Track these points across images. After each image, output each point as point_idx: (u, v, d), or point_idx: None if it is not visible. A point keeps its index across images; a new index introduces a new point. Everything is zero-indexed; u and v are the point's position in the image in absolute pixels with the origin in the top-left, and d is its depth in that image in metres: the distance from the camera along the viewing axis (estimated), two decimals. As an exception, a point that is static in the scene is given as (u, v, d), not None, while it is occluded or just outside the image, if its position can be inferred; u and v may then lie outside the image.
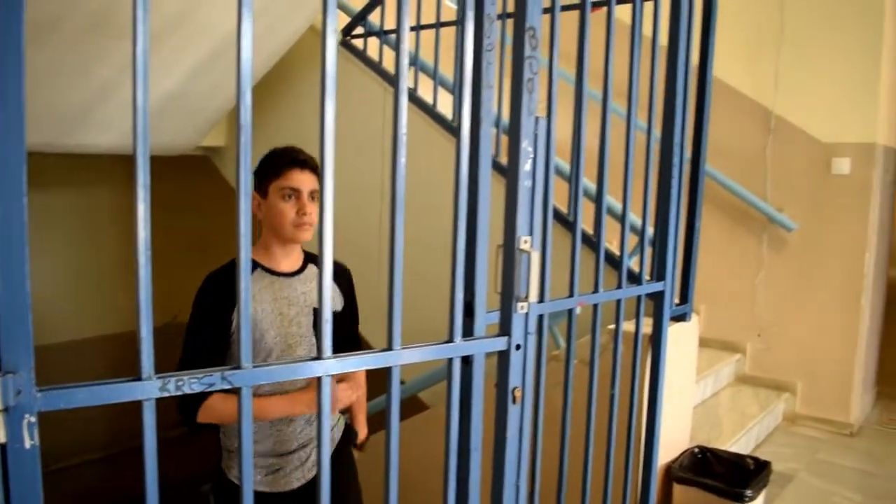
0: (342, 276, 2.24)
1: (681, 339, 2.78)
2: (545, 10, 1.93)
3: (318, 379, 1.19)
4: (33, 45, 2.90)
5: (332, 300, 2.08)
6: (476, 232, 1.38)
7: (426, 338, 1.45)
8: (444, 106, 3.61)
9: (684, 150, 2.44)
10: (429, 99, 3.61)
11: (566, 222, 2.93)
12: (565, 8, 1.79)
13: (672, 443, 2.93)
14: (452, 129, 3.46)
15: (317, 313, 2.03)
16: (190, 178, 5.49)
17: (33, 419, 0.88)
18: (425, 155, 3.59)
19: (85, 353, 5.65)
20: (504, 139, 3.17)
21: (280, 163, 2.04)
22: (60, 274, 5.67)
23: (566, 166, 2.98)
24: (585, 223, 2.53)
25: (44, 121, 3.38)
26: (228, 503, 2.11)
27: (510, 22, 2.61)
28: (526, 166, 1.36)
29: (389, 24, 3.75)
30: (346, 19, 4.08)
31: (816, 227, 4.29)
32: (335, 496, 2.21)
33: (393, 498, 1.32)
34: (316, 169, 2.05)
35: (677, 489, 2.86)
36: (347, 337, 2.19)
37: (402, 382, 3.10)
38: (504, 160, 3.10)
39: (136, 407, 0.97)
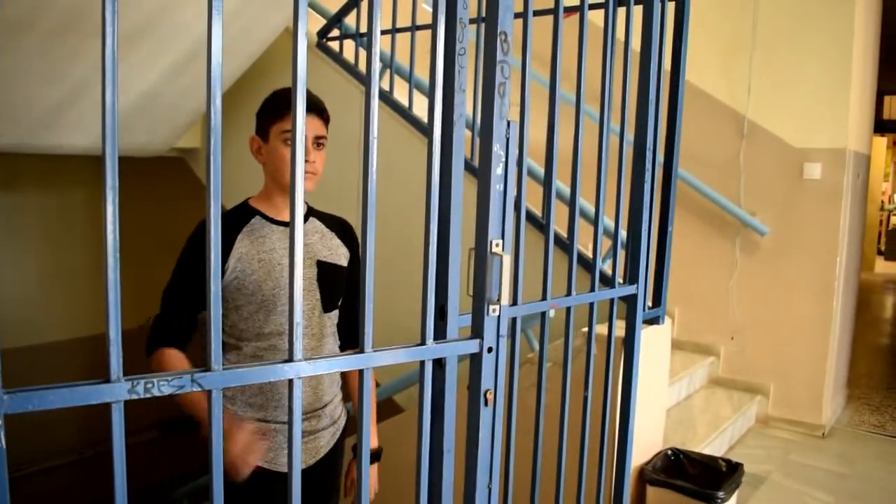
0: (346, 231, 2.14)
1: (654, 342, 2.79)
2: (517, 15, 1.94)
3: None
4: (5, 44, 2.87)
5: (337, 255, 2.04)
6: (448, 235, 1.37)
7: (405, 338, 1.45)
8: (420, 109, 3.61)
9: (657, 153, 2.46)
10: (404, 102, 3.62)
11: (539, 225, 2.94)
12: (538, 13, 1.80)
13: (645, 445, 2.95)
14: (426, 131, 3.47)
15: (321, 265, 1.98)
16: (164, 179, 5.45)
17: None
18: (401, 157, 3.59)
19: (57, 355, 5.58)
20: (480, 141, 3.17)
21: (284, 104, 1.88)
22: (32, 276, 5.61)
23: (539, 169, 2.99)
24: (558, 226, 2.55)
25: (16, 121, 3.34)
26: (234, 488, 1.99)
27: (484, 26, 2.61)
28: (497, 170, 1.36)
29: (365, 27, 3.74)
30: (322, 22, 4.07)
31: (789, 231, 4.33)
32: (331, 487, 2.17)
33: (364, 498, 1.31)
34: (323, 113, 1.95)
35: (650, 491, 2.88)
36: (355, 290, 2.08)
37: (377, 385, 3.09)
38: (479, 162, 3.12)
39: (108, 409, 0.96)
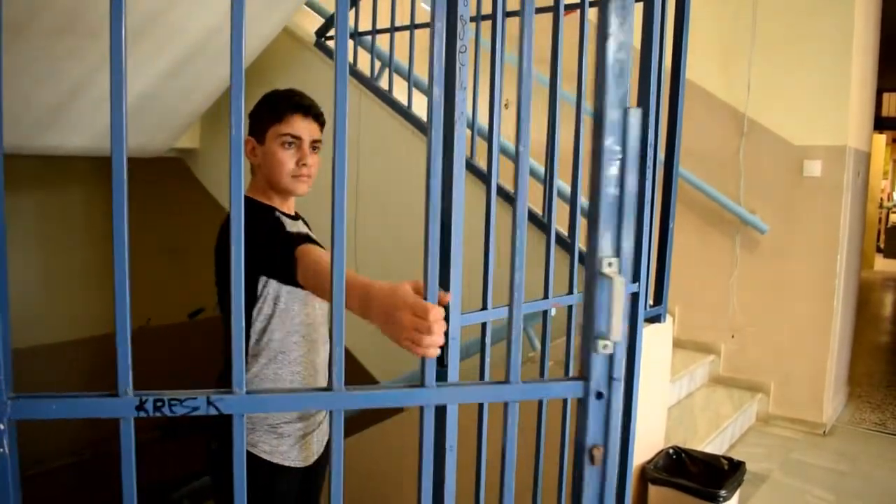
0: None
1: (655, 341, 2.79)
2: (514, 13, 1.94)
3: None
4: (2, 45, 2.85)
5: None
6: (451, 238, 1.33)
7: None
8: (419, 108, 3.61)
9: (658, 151, 2.45)
10: (403, 101, 3.61)
11: (540, 223, 2.94)
12: (539, 10, 1.79)
13: (647, 443, 2.94)
14: (426, 130, 3.46)
15: None
16: (163, 179, 5.44)
17: (2, 426, 0.86)
18: (401, 156, 3.58)
19: (56, 357, 5.57)
20: (479, 141, 3.16)
21: (281, 106, 1.87)
22: (32, 277, 5.60)
23: (539, 167, 2.99)
24: (559, 224, 2.54)
25: (14, 122, 3.33)
26: (260, 483, 1.88)
27: (485, 24, 2.61)
28: (611, 168, 1.10)
29: (363, 26, 3.73)
30: (320, 21, 4.06)
31: (789, 229, 4.33)
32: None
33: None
34: (319, 117, 1.93)
35: (652, 490, 2.87)
36: None
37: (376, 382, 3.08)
38: (481, 162, 3.11)
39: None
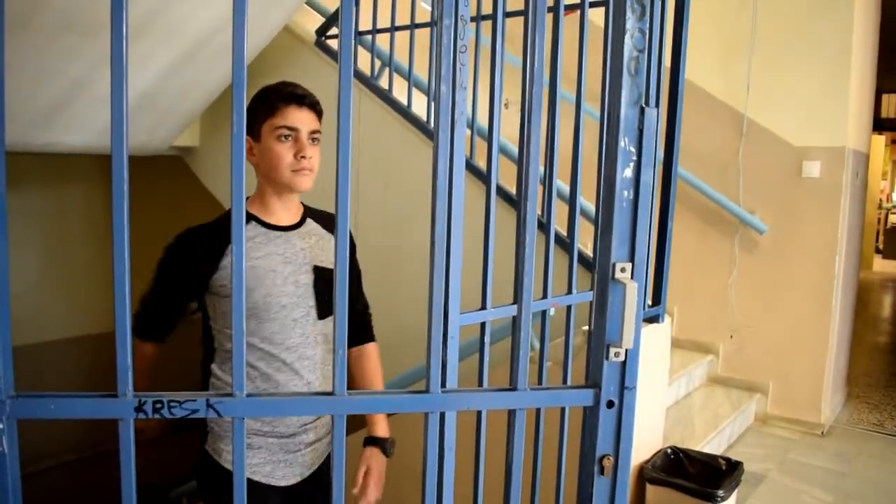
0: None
1: (654, 341, 2.79)
2: (519, 13, 1.94)
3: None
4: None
5: (329, 254, 1.96)
6: (450, 239, 1.33)
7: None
8: (418, 108, 3.61)
9: (657, 151, 2.46)
10: (403, 100, 3.61)
11: (539, 223, 2.94)
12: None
13: (645, 443, 2.94)
14: (427, 130, 3.46)
15: (317, 271, 1.90)
16: (162, 178, 5.44)
17: (2, 425, 0.86)
18: (399, 155, 3.58)
19: (57, 354, 5.57)
20: (479, 141, 3.17)
21: (275, 99, 1.80)
22: (31, 275, 5.59)
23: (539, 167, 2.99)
24: (558, 224, 2.54)
25: (12, 119, 3.33)
26: (223, 495, 1.76)
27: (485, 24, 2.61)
28: (626, 171, 1.07)
29: (364, 26, 3.73)
30: (320, 20, 4.06)
31: (788, 230, 4.33)
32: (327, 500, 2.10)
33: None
34: (315, 106, 1.86)
35: (650, 490, 2.88)
36: (352, 296, 1.95)
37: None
38: (480, 163, 3.11)
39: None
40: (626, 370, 1.11)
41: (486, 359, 1.77)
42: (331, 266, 1.94)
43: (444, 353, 1.35)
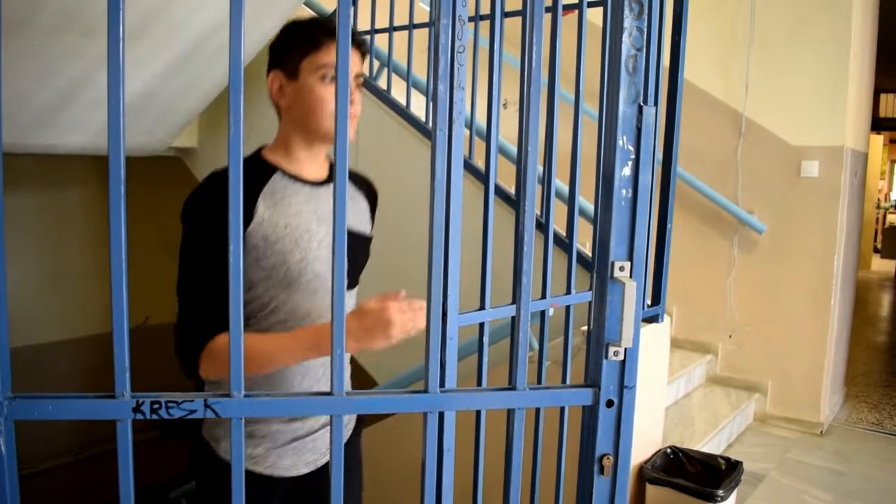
0: (371, 191, 1.80)
1: (653, 340, 2.79)
2: (517, 13, 1.93)
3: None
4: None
5: (363, 222, 1.76)
6: (449, 235, 1.33)
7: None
8: (416, 108, 3.60)
9: (655, 151, 2.46)
10: (402, 100, 3.60)
11: (538, 223, 2.94)
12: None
13: (644, 443, 2.94)
14: (425, 130, 3.46)
15: (352, 235, 1.59)
16: (161, 178, 5.44)
17: (-1, 427, 0.85)
18: (399, 156, 3.58)
19: (54, 356, 5.57)
20: (478, 141, 3.16)
21: (318, 32, 1.53)
22: (29, 276, 5.59)
23: (537, 167, 2.99)
24: (557, 224, 2.54)
25: (10, 121, 3.32)
26: (219, 488, 1.61)
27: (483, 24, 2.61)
28: (625, 170, 1.06)
29: (362, 26, 3.73)
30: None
31: (786, 229, 4.33)
32: (350, 484, 1.77)
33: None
34: (362, 45, 1.63)
35: (650, 489, 2.88)
36: (363, 264, 1.79)
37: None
38: (479, 163, 3.11)
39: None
40: (625, 369, 1.10)
41: (486, 359, 1.77)
42: (361, 230, 1.76)
43: (443, 353, 1.35)
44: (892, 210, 16.68)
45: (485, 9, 2.57)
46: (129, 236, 0.91)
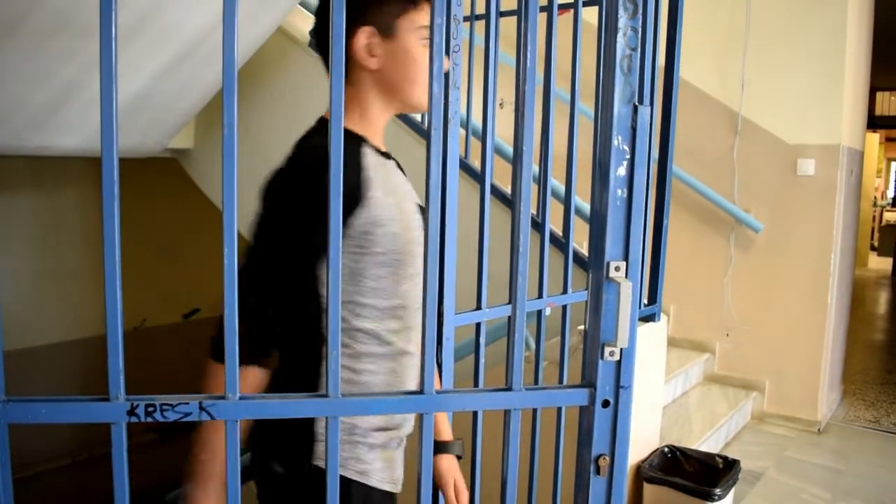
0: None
1: (650, 340, 2.79)
2: (512, 13, 1.93)
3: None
4: (-6, 45, 2.85)
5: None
6: (444, 239, 1.32)
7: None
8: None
9: (651, 150, 2.46)
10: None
11: (534, 223, 2.94)
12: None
13: (642, 442, 2.94)
14: (421, 129, 3.45)
15: (422, 210, 1.41)
16: (157, 180, 5.43)
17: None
18: (396, 156, 3.57)
19: (50, 358, 5.56)
20: (473, 141, 3.16)
21: None
22: (25, 278, 5.58)
23: (534, 167, 2.99)
24: (553, 223, 2.54)
25: (5, 122, 3.32)
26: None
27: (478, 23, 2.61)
28: (620, 170, 1.04)
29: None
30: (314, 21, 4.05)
31: (783, 228, 4.33)
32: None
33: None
34: None
35: (647, 489, 2.88)
36: None
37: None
38: (475, 162, 3.11)
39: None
40: (621, 369, 1.09)
41: (482, 359, 1.77)
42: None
43: (440, 353, 1.34)
44: (888, 208, 16.71)
45: (480, 8, 2.57)
46: (125, 238, 0.90)
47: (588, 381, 1.10)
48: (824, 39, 4.15)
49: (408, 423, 1.46)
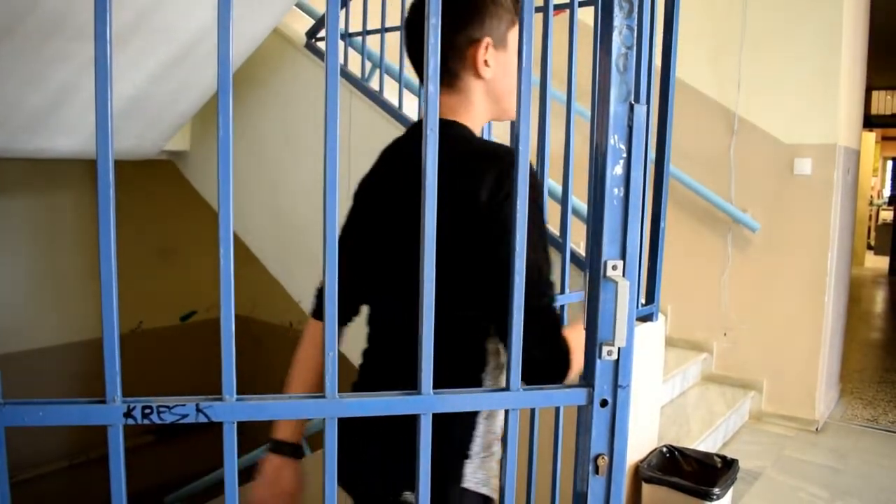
0: None
1: (648, 340, 2.79)
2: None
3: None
4: (-11, 48, 2.84)
5: None
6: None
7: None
8: (409, 109, 3.60)
9: (648, 150, 2.46)
10: (394, 102, 3.60)
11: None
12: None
13: (640, 442, 2.94)
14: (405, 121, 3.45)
15: None
16: (153, 182, 5.43)
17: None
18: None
19: (47, 362, 5.55)
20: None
21: (516, 1, 1.36)
22: (21, 281, 5.58)
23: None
24: (550, 223, 2.54)
25: (1, 125, 3.31)
26: None
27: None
28: (616, 169, 1.04)
29: (354, 27, 3.72)
30: (310, 22, 4.05)
31: (780, 227, 4.34)
32: None
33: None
34: None
35: (646, 488, 2.88)
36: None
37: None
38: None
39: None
40: (619, 369, 1.09)
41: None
42: None
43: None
44: (885, 207, 16.74)
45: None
46: (122, 241, 0.90)
47: (586, 381, 1.10)
48: (820, 38, 4.15)
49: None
